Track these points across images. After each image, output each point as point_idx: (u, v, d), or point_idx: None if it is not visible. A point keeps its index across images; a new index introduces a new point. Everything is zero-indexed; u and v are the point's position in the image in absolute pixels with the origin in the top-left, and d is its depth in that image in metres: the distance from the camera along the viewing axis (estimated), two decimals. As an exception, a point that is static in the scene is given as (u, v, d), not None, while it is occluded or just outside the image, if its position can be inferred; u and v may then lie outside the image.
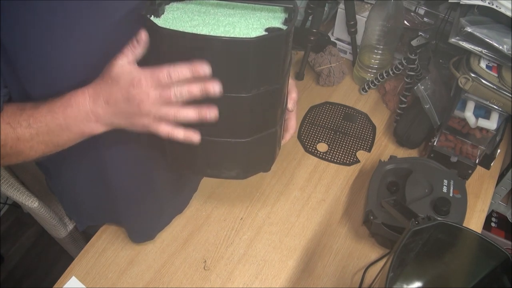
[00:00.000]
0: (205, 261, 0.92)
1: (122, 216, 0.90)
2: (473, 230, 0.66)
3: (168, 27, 0.56)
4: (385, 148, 1.12)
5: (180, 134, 0.59)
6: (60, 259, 1.79)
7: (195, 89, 0.55)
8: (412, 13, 1.24)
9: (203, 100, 0.56)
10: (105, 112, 0.58)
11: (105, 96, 0.57)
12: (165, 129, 0.58)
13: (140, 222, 0.91)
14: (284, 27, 0.59)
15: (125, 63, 0.57)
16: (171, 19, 0.60)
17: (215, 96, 0.55)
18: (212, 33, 0.56)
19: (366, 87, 1.22)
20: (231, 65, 0.56)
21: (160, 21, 0.59)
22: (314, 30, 1.20)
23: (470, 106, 0.97)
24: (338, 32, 1.31)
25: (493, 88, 0.92)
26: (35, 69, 0.60)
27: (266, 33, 0.58)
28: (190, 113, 0.57)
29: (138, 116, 0.57)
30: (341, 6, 1.24)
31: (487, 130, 0.99)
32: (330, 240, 0.95)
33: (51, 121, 0.59)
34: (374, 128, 1.17)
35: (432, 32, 1.19)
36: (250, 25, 0.59)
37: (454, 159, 1.00)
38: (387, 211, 0.87)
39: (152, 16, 0.59)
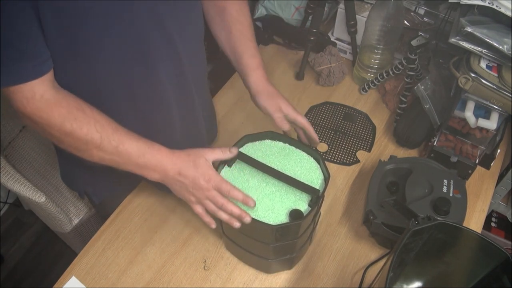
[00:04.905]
0: (205, 261, 0.92)
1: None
2: (473, 230, 0.66)
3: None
4: (385, 148, 1.12)
5: (206, 218, 0.80)
6: (60, 259, 1.79)
7: (236, 211, 0.74)
8: (412, 13, 1.24)
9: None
10: (172, 176, 0.75)
11: (182, 170, 0.75)
12: (199, 211, 0.79)
13: None
14: (308, 209, 0.77)
15: (210, 160, 0.76)
16: (237, 170, 0.81)
17: (246, 223, 0.74)
18: (258, 201, 0.77)
19: (366, 87, 1.22)
20: (262, 231, 0.77)
21: (227, 173, 0.81)
22: (314, 30, 1.20)
23: (470, 106, 0.97)
24: (338, 32, 1.31)
25: (493, 88, 0.92)
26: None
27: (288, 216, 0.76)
28: (224, 216, 0.76)
29: (189, 193, 0.76)
30: (341, 6, 1.24)
31: (487, 130, 0.99)
32: (330, 240, 0.95)
33: (135, 156, 0.72)
34: (374, 128, 1.17)
35: (432, 32, 1.19)
36: (284, 198, 0.78)
37: (454, 159, 1.00)
38: (387, 211, 0.88)
39: (225, 165, 0.81)
